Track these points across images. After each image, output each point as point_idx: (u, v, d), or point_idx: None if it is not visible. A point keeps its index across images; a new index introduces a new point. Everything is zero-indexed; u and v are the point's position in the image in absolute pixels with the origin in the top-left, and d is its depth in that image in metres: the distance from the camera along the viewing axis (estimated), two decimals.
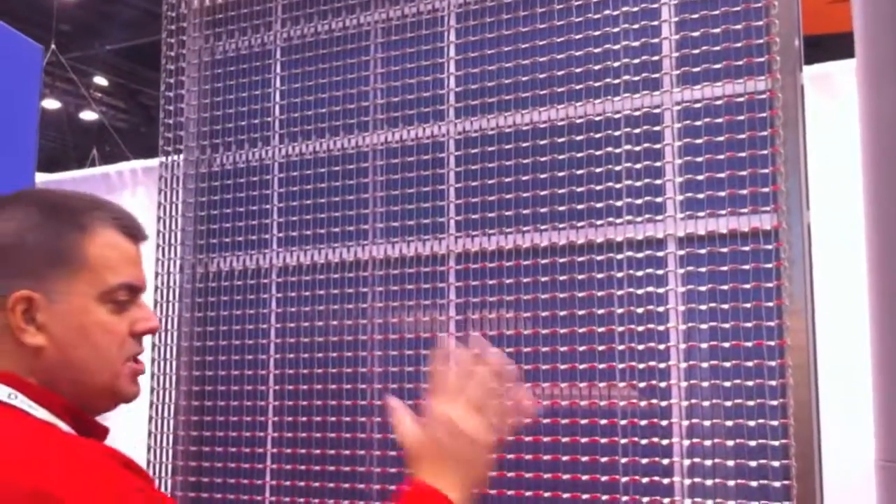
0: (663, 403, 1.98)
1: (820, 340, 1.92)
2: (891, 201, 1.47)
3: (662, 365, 1.99)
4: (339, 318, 2.35)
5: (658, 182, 2.04)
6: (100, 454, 0.97)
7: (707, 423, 1.94)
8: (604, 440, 2.01)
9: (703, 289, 1.97)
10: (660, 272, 2.02)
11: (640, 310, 2.02)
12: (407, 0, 2.37)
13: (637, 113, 2.08)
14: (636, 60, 2.09)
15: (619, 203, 2.07)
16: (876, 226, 1.51)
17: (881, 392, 1.49)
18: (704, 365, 1.95)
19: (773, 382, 1.88)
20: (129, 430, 2.25)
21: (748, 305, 1.92)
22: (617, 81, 2.10)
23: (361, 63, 2.42)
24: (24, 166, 2.70)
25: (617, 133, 2.09)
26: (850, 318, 2.27)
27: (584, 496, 2.01)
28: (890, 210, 1.47)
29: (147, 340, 1.31)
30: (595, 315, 2.06)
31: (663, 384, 1.98)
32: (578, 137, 2.12)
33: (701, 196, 2.00)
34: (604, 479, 2.00)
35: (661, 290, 2.01)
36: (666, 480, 1.95)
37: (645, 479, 1.97)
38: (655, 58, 2.08)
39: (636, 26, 2.10)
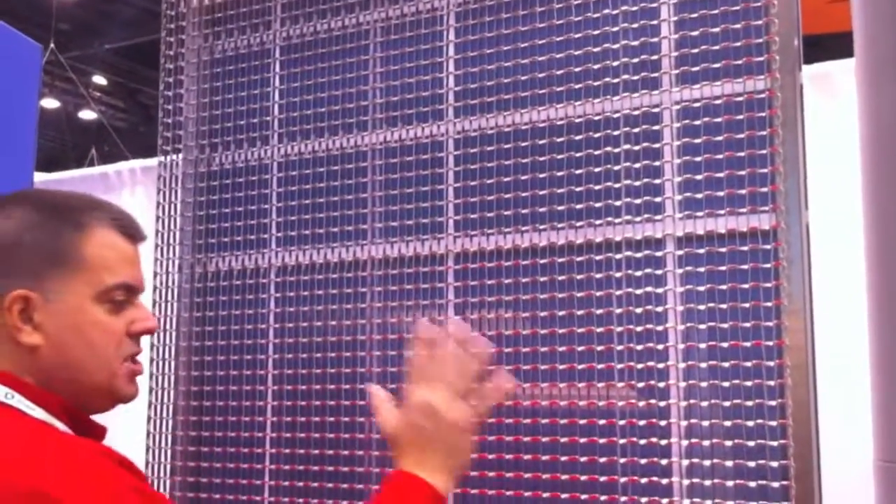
0: (662, 404, 1.97)
1: (818, 340, 1.91)
2: (890, 201, 1.47)
3: (661, 365, 1.99)
4: (337, 318, 2.35)
5: (657, 182, 2.04)
6: (96, 453, 0.97)
7: (706, 423, 1.93)
8: (602, 440, 2.01)
9: (701, 289, 1.97)
10: (658, 272, 2.02)
11: (638, 310, 2.02)
12: None
13: (636, 112, 2.07)
14: (635, 60, 2.09)
15: (617, 203, 2.07)
16: (875, 226, 1.51)
17: (880, 392, 1.49)
18: (703, 365, 1.95)
19: (772, 382, 1.88)
20: (128, 429, 2.25)
21: (747, 305, 1.92)
22: (616, 81, 2.10)
23: (360, 62, 2.42)
24: (22, 166, 2.70)
25: (616, 132, 2.09)
26: (849, 319, 2.26)
27: (583, 496, 2.00)
28: (889, 210, 1.47)
29: (146, 340, 1.31)
30: (594, 315, 2.05)
31: (662, 384, 1.98)
32: (577, 137, 2.12)
33: (700, 196, 2.00)
34: (602, 479, 2.00)
35: (659, 290, 2.01)
36: (664, 481, 1.95)
37: (643, 480, 1.97)
38: (654, 57, 2.08)
39: (635, 25, 2.10)
